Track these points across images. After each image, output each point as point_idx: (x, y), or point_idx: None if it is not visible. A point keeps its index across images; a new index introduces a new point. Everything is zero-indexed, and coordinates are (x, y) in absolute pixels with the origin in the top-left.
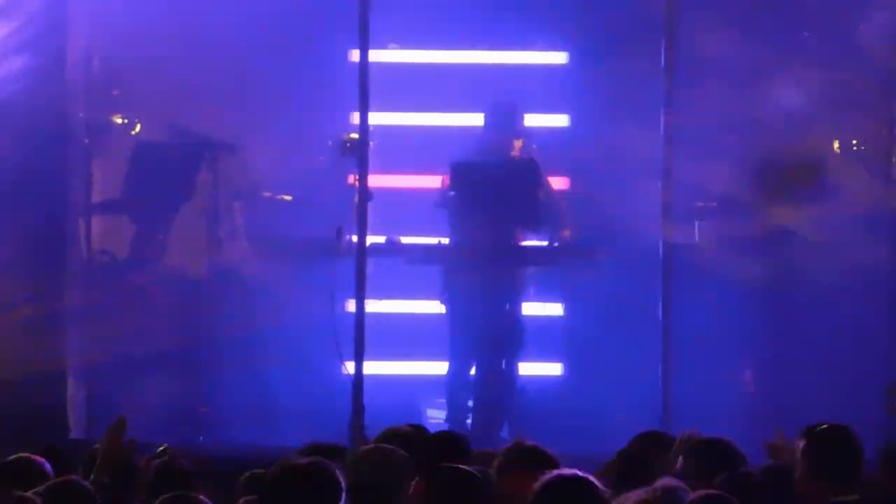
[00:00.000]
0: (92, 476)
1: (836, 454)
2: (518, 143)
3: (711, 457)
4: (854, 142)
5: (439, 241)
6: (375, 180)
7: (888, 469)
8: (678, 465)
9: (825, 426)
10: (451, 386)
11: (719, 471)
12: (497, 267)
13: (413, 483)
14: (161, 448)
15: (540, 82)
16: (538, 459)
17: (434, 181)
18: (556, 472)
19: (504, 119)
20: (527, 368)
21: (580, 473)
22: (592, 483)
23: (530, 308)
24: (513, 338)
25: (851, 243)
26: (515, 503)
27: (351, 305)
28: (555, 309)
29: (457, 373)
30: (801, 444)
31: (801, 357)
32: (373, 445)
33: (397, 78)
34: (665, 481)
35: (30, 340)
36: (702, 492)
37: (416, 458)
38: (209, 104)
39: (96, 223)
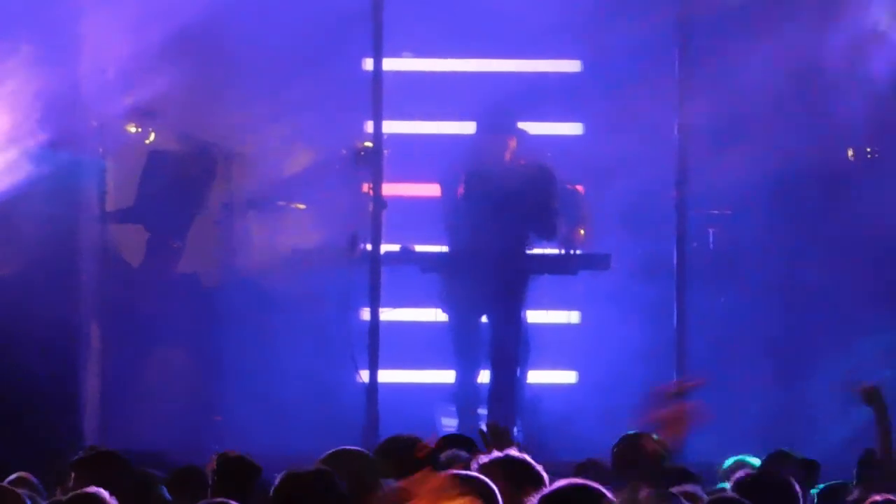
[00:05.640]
0: None
1: None
2: (512, 144)
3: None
4: (868, 149)
5: (451, 249)
6: (389, 189)
7: None
8: None
9: None
10: (460, 394)
11: None
12: (508, 274)
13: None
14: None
15: (554, 91)
16: (523, 472)
17: (449, 190)
18: (561, 481)
19: (496, 121)
20: (541, 376)
21: (584, 482)
22: (597, 491)
23: (545, 316)
24: (522, 346)
25: (868, 250)
26: None
27: (365, 314)
28: (570, 317)
29: (464, 381)
30: None
31: (817, 364)
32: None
33: (411, 86)
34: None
35: (44, 348)
36: (715, 496)
37: None
38: (223, 113)
39: (110, 232)
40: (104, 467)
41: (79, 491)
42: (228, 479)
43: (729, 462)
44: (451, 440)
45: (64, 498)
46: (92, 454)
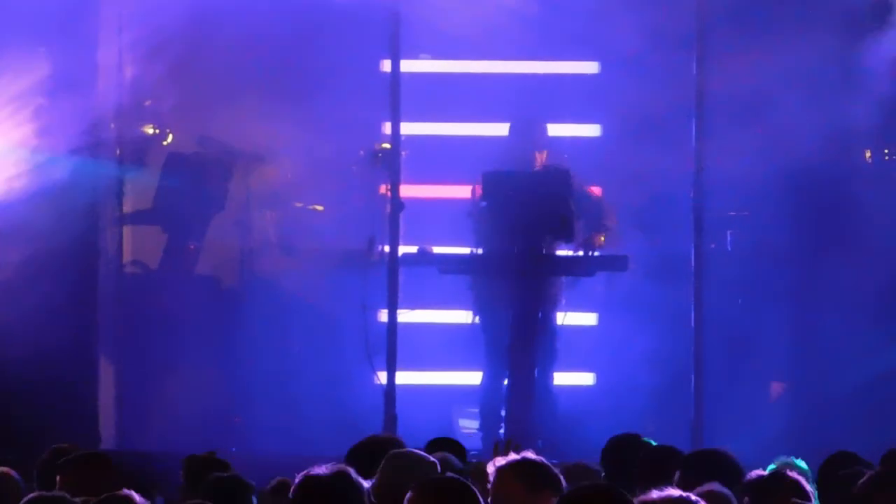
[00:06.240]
0: None
1: None
2: (540, 157)
3: (707, 468)
4: (886, 151)
5: (472, 251)
6: (407, 190)
7: None
8: (676, 478)
9: None
10: (485, 396)
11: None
12: (529, 276)
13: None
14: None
15: (571, 92)
16: (537, 476)
17: (466, 191)
18: (582, 484)
19: (527, 131)
20: (559, 378)
21: (605, 484)
22: (619, 492)
23: (563, 317)
24: (546, 348)
25: (887, 251)
26: None
27: (383, 315)
28: (588, 318)
29: (490, 383)
30: None
31: (835, 368)
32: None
33: (429, 88)
34: (710, 486)
35: (62, 352)
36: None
37: None
38: (241, 115)
39: (128, 234)
40: (91, 469)
41: (112, 493)
42: (197, 479)
43: (774, 464)
44: (439, 443)
45: (94, 500)
46: (79, 456)
